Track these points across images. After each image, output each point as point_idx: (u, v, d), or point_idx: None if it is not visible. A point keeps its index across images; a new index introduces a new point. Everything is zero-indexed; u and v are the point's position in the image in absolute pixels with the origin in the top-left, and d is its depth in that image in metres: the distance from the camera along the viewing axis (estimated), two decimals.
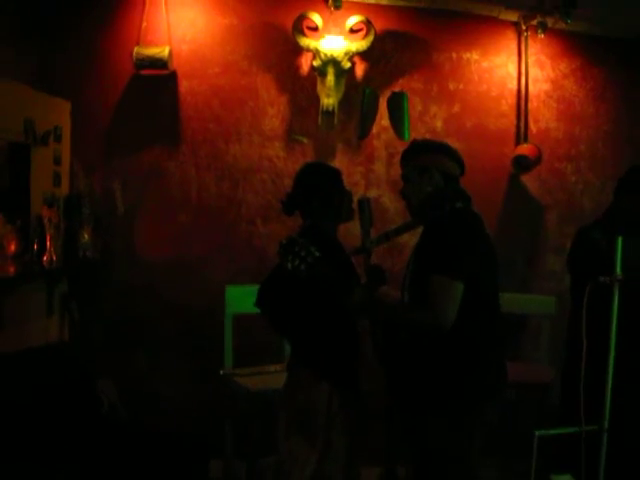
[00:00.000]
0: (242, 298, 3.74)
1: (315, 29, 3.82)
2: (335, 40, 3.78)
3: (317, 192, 2.73)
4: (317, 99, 3.86)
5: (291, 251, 2.39)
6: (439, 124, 3.98)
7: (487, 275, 2.38)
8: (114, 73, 3.92)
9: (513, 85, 4.00)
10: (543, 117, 4.03)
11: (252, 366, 3.68)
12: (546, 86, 4.02)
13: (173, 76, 3.91)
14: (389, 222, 4.00)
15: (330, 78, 3.76)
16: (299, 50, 3.89)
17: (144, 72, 3.84)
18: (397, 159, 3.85)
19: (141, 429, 3.41)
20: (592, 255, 2.84)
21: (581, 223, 4.00)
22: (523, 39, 3.92)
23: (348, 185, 3.87)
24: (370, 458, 3.18)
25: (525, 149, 3.87)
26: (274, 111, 3.95)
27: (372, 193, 3.99)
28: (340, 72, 3.78)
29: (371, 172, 4.00)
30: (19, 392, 3.00)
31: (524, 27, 3.85)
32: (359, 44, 3.79)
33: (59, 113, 3.83)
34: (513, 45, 3.98)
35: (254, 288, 3.78)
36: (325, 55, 3.75)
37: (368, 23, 3.77)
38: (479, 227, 2.42)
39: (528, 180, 4.03)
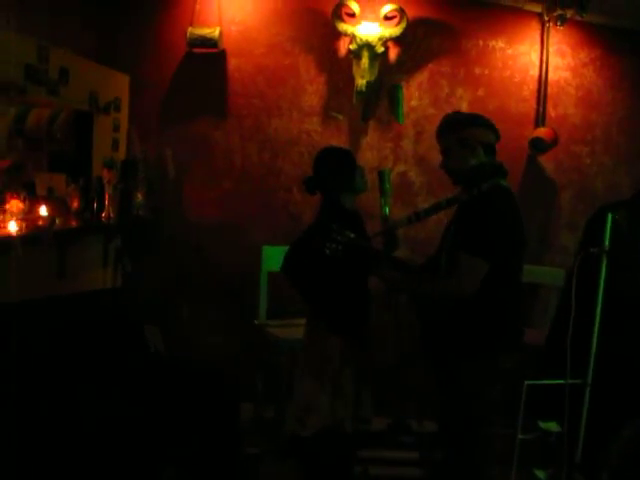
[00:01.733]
0: (276, 257, 4.14)
1: (353, 15, 4.16)
2: (370, 26, 4.11)
3: (331, 170, 3.11)
4: (352, 80, 4.20)
5: (328, 237, 2.69)
6: (464, 105, 4.29)
7: (515, 254, 2.65)
8: (169, 50, 4.34)
9: (535, 72, 4.28)
10: (562, 103, 4.30)
11: (282, 318, 4.10)
12: (566, 74, 4.29)
13: (222, 55, 4.30)
14: (414, 195, 4.37)
15: (365, 61, 4.10)
16: (337, 34, 4.23)
17: (196, 50, 4.24)
18: (424, 137, 4.32)
19: (181, 370, 3.84)
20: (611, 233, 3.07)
21: (594, 202, 4.31)
22: (545, 29, 4.19)
23: (378, 159, 4.28)
24: (379, 409, 3.46)
25: (541, 132, 4.16)
26: (313, 89, 4.32)
27: (400, 168, 4.34)
28: (374, 55, 4.10)
29: (399, 148, 4.34)
30: (78, 330, 3.46)
31: (547, 18, 4.12)
32: (392, 30, 4.12)
33: (119, 85, 4.25)
34: (536, 34, 4.26)
35: (287, 248, 4.22)
36: (361, 40, 4.08)
37: (401, 11, 4.09)
38: (516, 208, 2.65)
39: (545, 161, 4.31)
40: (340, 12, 4.15)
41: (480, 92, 4.30)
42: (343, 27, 4.13)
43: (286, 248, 4.16)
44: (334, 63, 4.30)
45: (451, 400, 2.76)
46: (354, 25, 4.13)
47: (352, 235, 2.71)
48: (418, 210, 2.87)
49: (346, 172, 3.10)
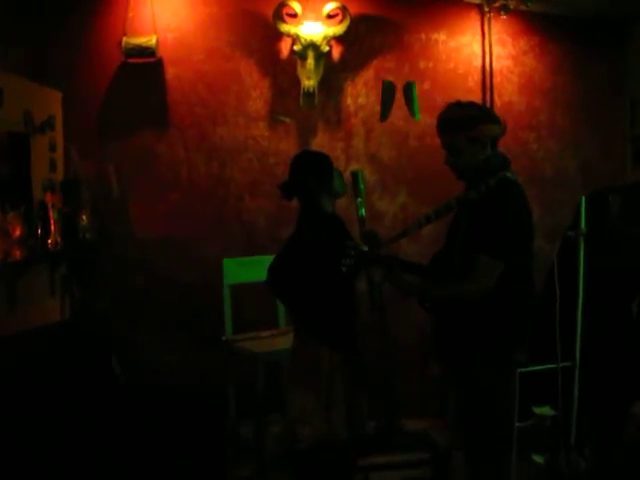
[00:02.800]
0: (237, 269, 4.03)
1: (294, 16, 4.07)
2: (314, 26, 4.03)
3: (310, 174, 3.04)
4: (297, 81, 4.10)
5: (344, 254, 2.59)
6: None
7: (526, 247, 2.56)
8: (102, 62, 4.13)
9: (478, 63, 4.30)
10: (506, 91, 4.34)
11: (248, 332, 3.97)
12: (508, 62, 4.33)
13: (159, 63, 4.12)
14: (369, 193, 4.27)
15: (310, 61, 4.01)
16: (279, 36, 4.13)
17: (131, 60, 4.04)
18: (374, 134, 4.27)
19: (145, 396, 3.66)
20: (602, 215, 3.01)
21: (544, 187, 4.39)
22: (486, 20, 4.23)
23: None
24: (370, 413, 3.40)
25: None
26: (257, 94, 4.20)
27: (352, 166, 4.26)
28: (319, 55, 4.03)
29: (350, 148, 4.27)
30: (35, 369, 3.23)
31: (487, 9, 4.15)
32: (336, 29, 4.05)
33: (52, 103, 4.00)
34: (477, 25, 4.28)
35: (247, 260, 4.10)
36: (305, 40, 3.99)
37: (344, 9, 4.03)
38: (526, 201, 2.54)
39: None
40: (281, 13, 4.04)
41: (426, 86, 4.27)
42: (285, 28, 4.03)
43: (245, 259, 4.10)
44: (277, 65, 4.19)
45: (471, 398, 2.64)
46: (297, 25, 4.04)
47: (365, 248, 2.64)
48: (428, 213, 2.65)
49: (324, 175, 3.04)
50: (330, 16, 4.08)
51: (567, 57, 4.39)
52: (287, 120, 4.22)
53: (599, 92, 4.44)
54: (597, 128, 4.41)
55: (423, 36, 4.27)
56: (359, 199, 3.02)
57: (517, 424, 2.75)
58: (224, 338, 3.93)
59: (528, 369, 2.77)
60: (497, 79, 4.32)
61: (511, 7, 3.95)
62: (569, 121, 4.43)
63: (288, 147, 4.20)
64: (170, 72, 4.15)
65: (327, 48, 4.04)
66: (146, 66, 4.08)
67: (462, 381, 2.67)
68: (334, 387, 2.99)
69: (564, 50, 4.37)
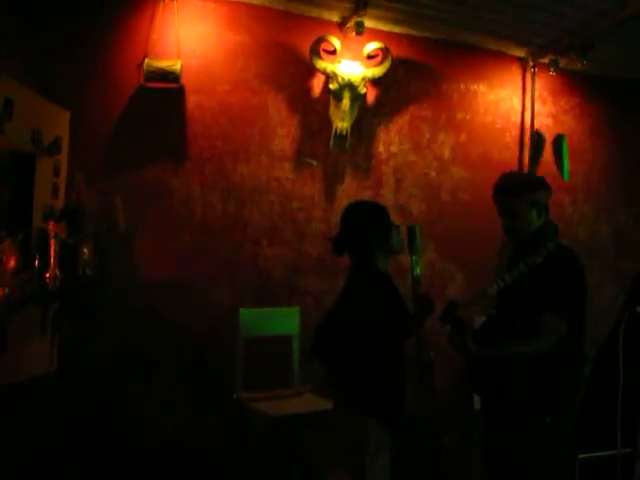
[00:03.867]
0: (254, 321, 3.65)
1: (333, 52, 3.82)
2: (352, 65, 3.79)
3: (368, 228, 2.71)
4: (328, 122, 3.84)
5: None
6: (447, 152, 4.05)
7: (584, 311, 2.63)
8: (118, 83, 3.74)
9: (517, 118, 4.14)
10: (545, 151, 4.16)
11: (261, 390, 3.56)
12: (547, 121, 4.18)
13: (181, 90, 3.77)
14: None
15: (346, 102, 3.75)
16: (311, 72, 3.87)
17: (151, 84, 3.69)
18: (404, 185, 4.00)
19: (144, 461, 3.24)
20: None
21: (577, 251, 4.19)
22: (528, 74, 4.07)
23: None
24: None
25: None
26: (284, 132, 3.90)
27: None
28: (356, 97, 3.78)
29: (379, 197, 3.99)
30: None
31: (531, 63, 3.99)
32: (375, 70, 3.81)
33: (59, 123, 3.61)
34: (518, 80, 4.13)
35: (265, 311, 3.73)
36: (343, 79, 3.74)
37: (386, 50, 3.80)
38: (583, 266, 2.64)
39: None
40: (318, 48, 3.78)
41: (462, 137, 4.07)
42: (322, 65, 3.76)
43: (263, 310, 3.73)
44: (307, 104, 3.92)
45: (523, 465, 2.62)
46: (333, 63, 3.78)
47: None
48: (503, 276, 2.65)
49: (383, 231, 2.71)
50: (370, 57, 3.85)
51: (606, 119, 4.28)
52: (314, 163, 3.92)
53: (635, 157, 4.31)
54: (632, 193, 4.27)
55: (462, 86, 4.08)
56: (414, 257, 2.82)
57: None
58: (235, 396, 3.49)
59: (587, 455, 2.51)
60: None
61: (560, 64, 3.79)
62: (605, 185, 4.32)
63: (313, 192, 3.90)
64: (192, 101, 3.81)
65: (365, 90, 3.79)
66: (166, 92, 3.72)
67: (514, 446, 2.63)
68: (376, 469, 2.61)
69: (603, 112, 4.27)
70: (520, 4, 3.48)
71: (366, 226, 2.70)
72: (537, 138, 4.02)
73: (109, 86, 3.74)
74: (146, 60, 3.64)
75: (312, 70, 3.84)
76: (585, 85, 4.22)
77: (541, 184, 2.70)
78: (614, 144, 4.31)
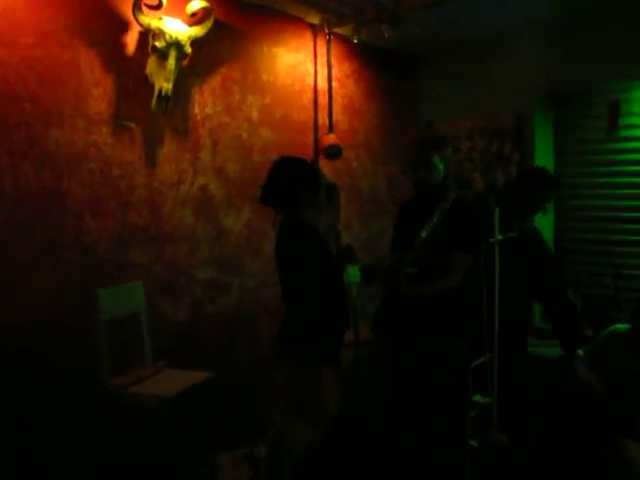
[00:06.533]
0: (113, 300, 3.37)
1: (156, 8, 3.54)
2: (177, 23, 3.58)
3: (302, 185, 2.79)
4: (144, 82, 3.61)
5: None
6: (255, 113, 4.13)
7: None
8: None
9: (311, 81, 4.38)
10: (333, 111, 4.50)
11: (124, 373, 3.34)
12: (334, 84, 4.50)
13: None
14: (216, 208, 4.02)
15: (171, 62, 3.55)
16: (125, 26, 3.57)
17: None
18: (220, 147, 4.06)
19: None
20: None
21: (362, 202, 4.69)
22: (320, 41, 4.34)
23: (177, 173, 3.83)
24: None
25: (333, 138, 4.31)
26: (99, 92, 3.52)
27: (199, 181, 3.92)
28: (181, 56, 3.60)
29: (198, 160, 3.91)
30: None
31: (327, 30, 4.25)
32: (197, 29, 3.66)
33: None
34: (310, 45, 4.36)
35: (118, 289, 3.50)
36: (170, 37, 3.52)
37: (209, 9, 3.67)
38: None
39: (325, 167, 4.45)
40: (140, 2, 3.47)
41: (267, 99, 4.17)
42: (145, 20, 3.48)
43: (118, 288, 3.45)
44: (122, 62, 3.59)
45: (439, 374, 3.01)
46: (158, 19, 3.53)
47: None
48: (427, 223, 2.93)
49: (315, 187, 2.87)
50: (193, 15, 3.68)
51: (379, 84, 4.77)
52: (133, 126, 3.65)
53: (401, 117, 4.92)
54: (399, 148, 4.86)
55: (265, 48, 4.16)
56: (335, 214, 3.00)
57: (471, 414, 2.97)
58: (110, 387, 3.19)
59: (478, 362, 3.01)
60: (326, 99, 4.46)
61: (361, 35, 4.12)
62: (380, 142, 4.82)
63: (133, 157, 3.66)
64: None
65: (190, 49, 3.62)
66: None
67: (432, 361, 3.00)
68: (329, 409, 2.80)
69: (377, 77, 4.75)
70: None
71: (299, 182, 2.83)
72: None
73: None
74: None
75: (126, 25, 3.54)
76: (363, 53, 4.64)
77: (447, 141, 3.11)
78: (386, 105, 4.85)
